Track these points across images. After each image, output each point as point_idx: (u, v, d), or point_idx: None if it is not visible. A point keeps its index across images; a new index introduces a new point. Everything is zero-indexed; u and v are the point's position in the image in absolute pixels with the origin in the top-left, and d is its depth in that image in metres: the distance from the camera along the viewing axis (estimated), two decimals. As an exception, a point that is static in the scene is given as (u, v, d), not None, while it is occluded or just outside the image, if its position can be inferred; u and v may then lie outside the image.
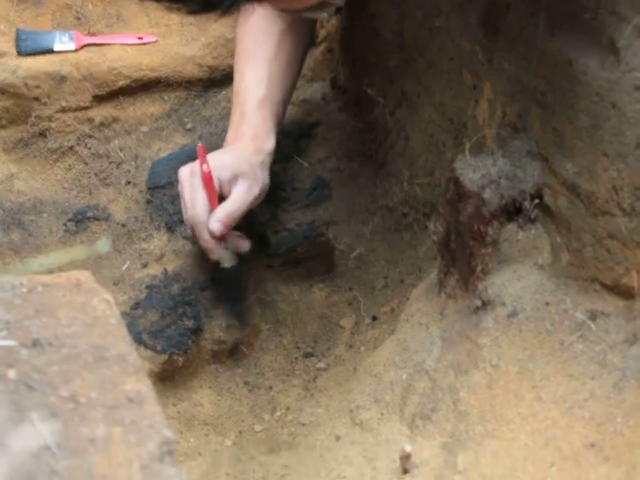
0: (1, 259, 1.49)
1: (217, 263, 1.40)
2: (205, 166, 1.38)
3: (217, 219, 1.35)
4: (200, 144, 1.45)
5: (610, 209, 1.00)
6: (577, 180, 1.05)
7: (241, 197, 1.38)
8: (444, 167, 1.37)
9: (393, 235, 1.53)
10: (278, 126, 1.50)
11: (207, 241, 1.37)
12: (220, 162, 1.39)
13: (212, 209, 1.37)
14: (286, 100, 1.55)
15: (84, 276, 0.81)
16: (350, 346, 1.42)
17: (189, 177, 1.39)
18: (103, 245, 1.35)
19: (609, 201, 1.00)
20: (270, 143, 1.45)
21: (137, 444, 0.65)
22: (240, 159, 1.41)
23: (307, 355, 1.43)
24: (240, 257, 1.41)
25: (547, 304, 1.03)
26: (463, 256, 1.12)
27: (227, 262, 1.40)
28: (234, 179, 1.39)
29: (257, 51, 1.52)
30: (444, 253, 1.17)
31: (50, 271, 0.82)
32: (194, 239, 1.42)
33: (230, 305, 1.43)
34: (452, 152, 1.37)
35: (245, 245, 1.41)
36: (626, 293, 0.99)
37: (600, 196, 1.01)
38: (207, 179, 1.37)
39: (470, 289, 1.10)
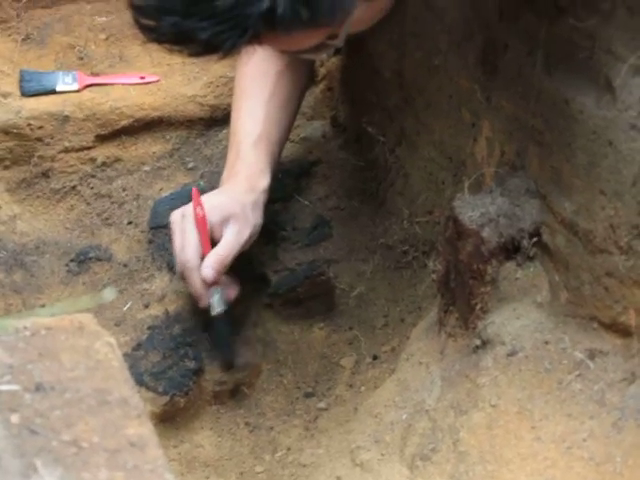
0: (3, 300, 1.49)
1: (206, 310, 1.40)
2: (199, 209, 1.38)
3: (209, 265, 1.35)
4: (194, 187, 1.45)
5: (607, 247, 1.01)
6: (575, 218, 1.06)
7: (232, 242, 1.38)
8: (443, 205, 1.38)
9: (393, 273, 1.53)
10: (274, 165, 1.51)
11: (197, 288, 1.37)
12: (211, 204, 1.40)
13: (204, 253, 1.37)
14: (283, 139, 1.56)
15: (87, 319, 0.82)
16: (351, 386, 1.42)
17: (180, 221, 1.39)
18: (109, 294, 1.36)
19: (606, 239, 1.01)
20: (264, 181, 1.46)
21: (139, 489, 0.66)
22: (231, 200, 1.41)
23: (308, 395, 1.43)
24: (242, 302, 1.42)
25: (546, 343, 1.03)
26: (463, 295, 1.13)
27: (217, 308, 1.39)
28: (225, 221, 1.39)
29: (254, 91, 1.53)
30: (444, 292, 1.17)
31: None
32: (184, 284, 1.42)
33: (220, 349, 1.42)
34: (451, 190, 1.38)
35: (234, 293, 1.41)
36: (624, 331, 1.00)
37: (598, 234, 1.02)
38: (200, 223, 1.37)
39: (470, 328, 1.11)
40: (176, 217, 1.41)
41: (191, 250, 1.37)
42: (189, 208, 1.40)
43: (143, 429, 0.71)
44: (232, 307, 1.42)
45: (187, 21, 1.02)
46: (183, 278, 1.40)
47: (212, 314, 1.39)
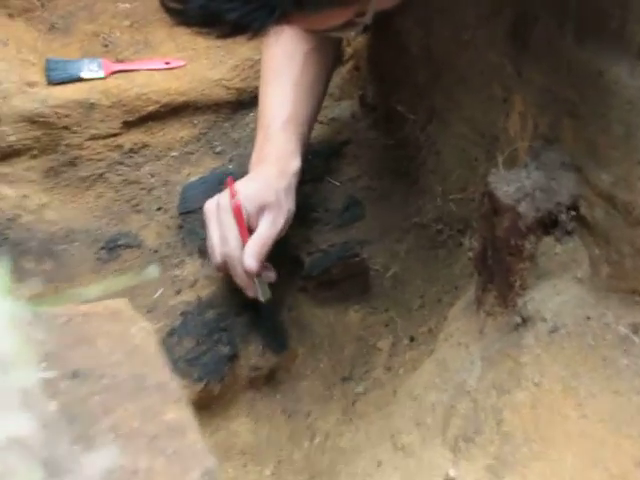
0: (35, 289, 1.49)
1: (254, 298, 1.40)
2: (235, 199, 1.37)
3: (251, 257, 1.35)
4: (229, 176, 1.44)
5: (648, 219, 0.99)
6: (613, 190, 1.03)
7: (268, 231, 1.37)
8: (477, 182, 1.37)
9: (428, 253, 1.52)
10: (304, 146, 1.49)
11: (244, 279, 1.37)
12: (245, 193, 1.38)
13: (243, 244, 1.36)
14: (312, 121, 1.54)
15: (122, 304, 0.81)
16: (388, 368, 1.40)
17: (215, 211, 1.38)
18: (152, 271, 1.35)
19: (647, 211, 0.99)
20: (295, 164, 1.45)
21: (180, 474, 0.65)
22: (265, 187, 1.40)
23: (345, 379, 1.42)
24: (271, 286, 1.41)
25: (588, 318, 1.01)
26: (501, 272, 1.11)
27: (264, 295, 1.39)
28: (261, 211, 1.38)
29: (281, 73, 1.52)
30: (481, 270, 1.16)
31: (88, 300, 0.83)
32: (227, 276, 1.41)
33: (265, 333, 1.42)
34: (485, 166, 1.36)
35: (273, 275, 1.41)
36: (669, 305, 0.98)
37: (637, 206, 1.00)
38: (238, 213, 1.36)
39: (509, 305, 1.09)
40: (211, 207, 1.39)
41: (233, 243, 1.36)
42: (224, 198, 1.39)
43: (182, 414, 0.70)
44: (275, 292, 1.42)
45: (214, 2, 1.01)
46: (223, 270, 1.39)
47: (262, 300, 1.39)
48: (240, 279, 1.37)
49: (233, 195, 1.37)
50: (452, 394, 1.09)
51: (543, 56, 1.17)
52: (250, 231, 1.37)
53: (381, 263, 1.53)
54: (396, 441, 1.11)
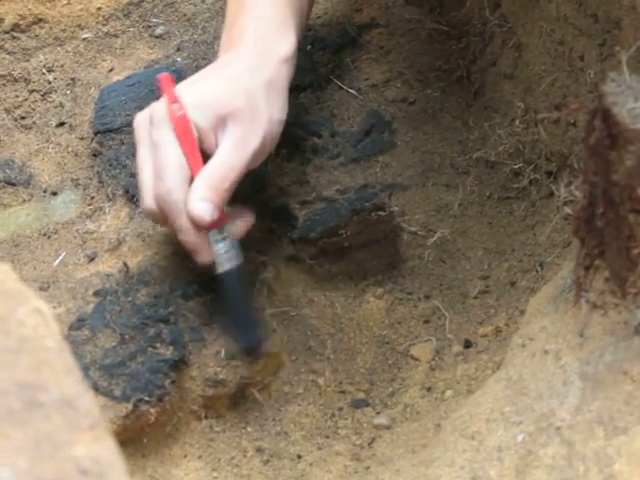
0: None
1: (208, 266, 1.40)
2: (177, 107, 1.37)
3: (201, 197, 1.34)
4: (165, 73, 1.43)
5: None
6: None
7: (231, 156, 1.37)
8: (584, 94, 1.38)
9: (497, 207, 1.55)
10: (301, 18, 1.52)
11: (189, 233, 1.36)
12: (196, 97, 1.39)
13: (193, 176, 1.36)
14: None
15: (2, 273, 0.82)
16: (429, 389, 1.43)
17: (147, 128, 1.38)
18: (66, 205, 1.36)
19: None
20: (286, 43, 1.46)
21: None
22: (229, 85, 1.41)
23: (358, 404, 1.44)
24: (244, 247, 1.41)
25: None
26: (618, 240, 1.13)
27: (226, 262, 1.39)
28: (221, 124, 1.38)
29: None
30: (585, 236, 1.17)
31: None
32: (170, 228, 1.40)
33: (232, 325, 1.43)
34: (597, 68, 1.38)
35: (244, 227, 1.42)
36: None
37: None
38: (182, 128, 1.36)
39: (629, 294, 1.11)
40: (142, 122, 1.40)
41: (172, 177, 1.35)
42: (160, 107, 1.39)
43: (100, 447, 0.71)
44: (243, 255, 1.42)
45: None
46: (160, 221, 1.40)
47: (218, 271, 1.40)
48: (185, 235, 1.37)
49: (173, 101, 1.38)
50: (532, 432, 1.11)
51: None
52: (206, 158, 1.38)
53: (421, 222, 1.55)
54: (441, 504, 1.13)
